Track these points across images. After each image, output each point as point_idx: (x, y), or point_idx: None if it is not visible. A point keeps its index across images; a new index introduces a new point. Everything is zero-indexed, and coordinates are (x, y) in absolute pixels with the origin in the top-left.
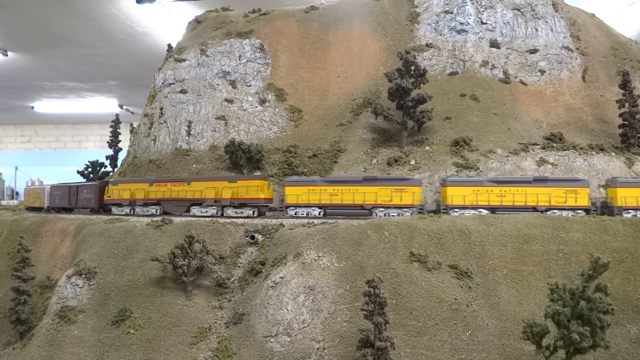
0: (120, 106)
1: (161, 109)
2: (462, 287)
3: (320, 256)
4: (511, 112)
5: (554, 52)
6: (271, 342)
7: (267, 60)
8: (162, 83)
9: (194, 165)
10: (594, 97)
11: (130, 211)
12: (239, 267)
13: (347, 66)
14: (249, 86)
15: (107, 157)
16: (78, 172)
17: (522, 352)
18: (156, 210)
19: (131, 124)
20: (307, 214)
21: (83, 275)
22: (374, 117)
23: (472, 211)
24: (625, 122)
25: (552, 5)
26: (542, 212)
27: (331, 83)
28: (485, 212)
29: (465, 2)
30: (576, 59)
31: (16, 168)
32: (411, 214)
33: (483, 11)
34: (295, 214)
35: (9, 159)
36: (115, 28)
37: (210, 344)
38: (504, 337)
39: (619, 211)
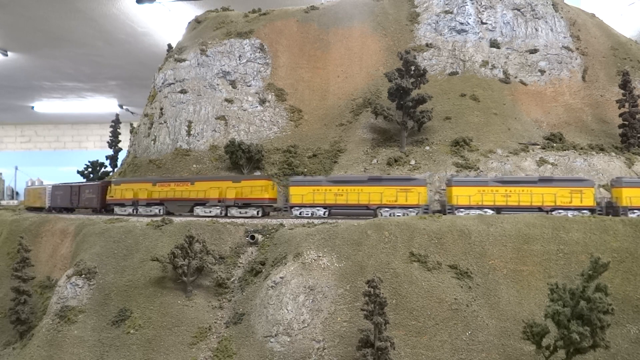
0: (120, 106)
1: (161, 109)
2: (462, 287)
3: (320, 256)
4: (511, 112)
5: (554, 52)
6: (271, 342)
7: (267, 60)
8: (162, 83)
9: (194, 165)
10: (594, 97)
11: (133, 211)
12: (239, 267)
13: (347, 66)
14: (249, 86)
15: (107, 157)
16: (78, 172)
17: (522, 352)
18: (159, 210)
19: (131, 124)
20: (312, 214)
21: (83, 275)
22: (374, 117)
23: (478, 211)
24: (625, 122)
25: (552, 5)
26: (547, 212)
27: (331, 83)
28: (490, 212)
29: (465, 2)
30: (576, 59)
31: (16, 168)
32: (417, 214)
33: (483, 11)
34: (300, 214)
35: (9, 159)
36: (115, 28)
37: (210, 344)
38: (504, 337)
39: (624, 211)
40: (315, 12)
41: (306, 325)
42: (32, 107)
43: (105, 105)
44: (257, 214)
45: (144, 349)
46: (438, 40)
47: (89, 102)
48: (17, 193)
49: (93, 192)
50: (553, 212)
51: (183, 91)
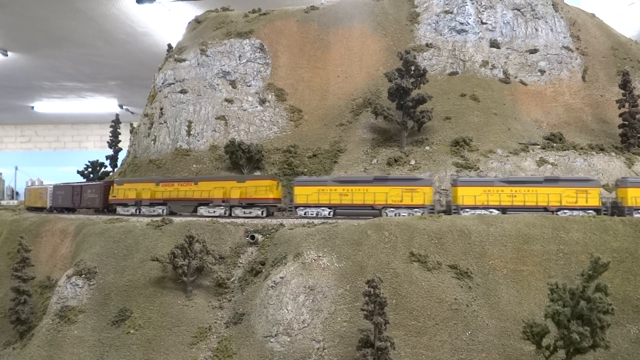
0: (120, 106)
1: (161, 109)
2: (462, 287)
3: (320, 256)
4: (511, 112)
5: (554, 52)
6: (271, 342)
7: (267, 60)
8: (162, 83)
9: (194, 165)
10: (594, 97)
11: (136, 211)
12: (239, 267)
13: (347, 66)
14: (249, 86)
15: (107, 157)
16: (78, 172)
17: (522, 352)
18: (163, 210)
19: (131, 124)
20: (317, 214)
21: (83, 275)
22: (374, 117)
23: (483, 211)
24: (625, 122)
25: (552, 5)
26: (553, 212)
27: (331, 83)
28: (496, 212)
29: (465, 2)
30: (576, 59)
31: (16, 168)
32: (422, 214)
33: (483, 11)
34: (305, 214)
35: (9, 159)
36: (115, 28)
37: (210, 344)
38: (504, 337)
39: (629, 211)
40: (315, 12)
41: (306, 325)
42: (32, 107)
43: (105, 105)
44: (262, 214)
45: (144, 349)
46: (438, 40)
47: (89, 102)
48: (17, 193)
49: (95, 192)
50: (559, 212)
51: (183, 91)
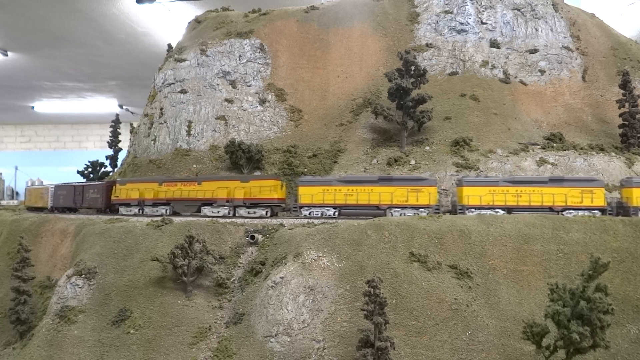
0: (120, 106)
1: (161, 109)
2: (462, 287)
3: (320, 256)
4: (511, 112)
5: (554, 52)
6: (271, 342)
7: (267, 60)
8: (162, 83)
9: (194, 165)
10: (594, 97)
11: (139, 211)
12: (239, 267)
13: (347, 66)
14: (249, 86)
15: (107, 157)
16: (78, 172)
17: (522, 352)
18: (166, 210)
19: (131, 124)
20: (322, 214)
21: (83, 275)
22: (374, 117)
23: (489, 211)
24: (625, 122)
25: (552, 5)
26: (558, 212)
27: (331, 83)
28: (501, 212)
29: (465, 2)
30: (576, 59)
31: (16, 168)
32: (427, 214)
33: (483, 11)
34: (310, 214)
35: (9, 159)
36: (115, 28)
37: (210, 344)
38: (504, 337)
39: (634, 211)
40: (315, 12)
41: (306, 325)
42: (32, 107)
43: (105, 105)
44: (266, 214)
45: (144, 349)
46: (438, 40)
47: (89, 102)
48: (17, 193)
49: (98, 192)
50: (564, 213)
51: (183, 91)
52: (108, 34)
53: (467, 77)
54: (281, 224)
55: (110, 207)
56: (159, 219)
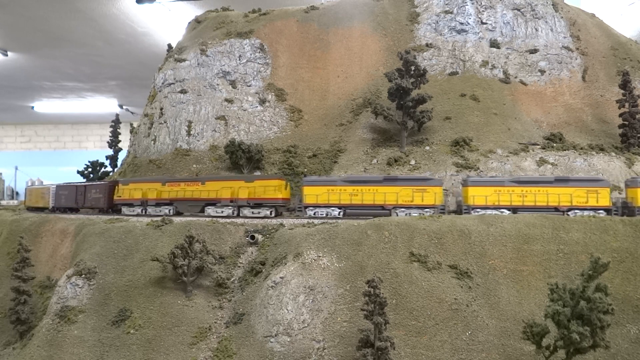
0: (120, 106)
1: (161, 109)
2: (462, 287)
3: (320, 256)
4: (511, 112)
5: (554, 52)
6: (271, 342)
7: (267, 60)
8: (162, 83)
9: (194, 165)
10: (594, 97)
11: (141, 211)
12: (239, 267)
13: (347, 66)
14: (249, 86)
15: (107, 157)
16: (78, 172)
17: (522, 352)
18: (169, 210)
19: (131, 124)
20: (327, 214)
21: (83, 275)
22: (374, 117)
23: (494, 211)
24: (625, 122)
25: (552, 5)
26: (563, 212)
27: (331, 83)
28: (507, 212)
29: (465, 2)
30: (576, 59)
31: (16, 168)
32: (433, 214)
33: (483, 11)
34: (315, 214)
35: (9, 159)
36: (115, 28)
37: (210, 344)
38: (504, 337)
39: (639, 211)
40: (315, 12)
41: (306, 325)
42: (32, 107)
43: (105, 105)
44: (270, 214)
45: (144, 349)
46: (438, 40)
47: (89, 102)
48: (17, 193)
49: (100, 192)
50: (569, 213)
51: (183, 91)
52: (108, 34)
53: (467, 77)
54: (281, 224)
55: (113, 207)
56: (159, 219)
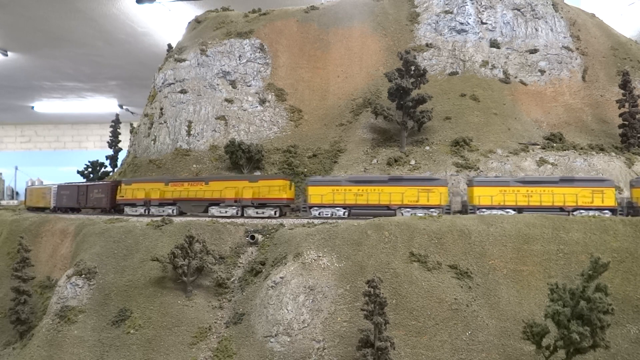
0: (120, 106)
1: (161, 109)
2: (462, 287)
3: (320, 256)
4: (511, 112)
5: (554, 52)
6: (271, 342)
7: (267, 60)
8: (162, 83)
9: (194, 165)
10: (594, 97)
11: (144, 211)
12: (239, 267)
13: (347, 66)
14: (249, 86)
15: (107, 157)
16: (78, 172)
17: (522, 352)
18: (172, 210)
19: (131, 124)
20: (332, 214)
21: (83, 275)
22: (374, 117)
23: (500, 211)
24: (625, 122)
25: (552, 5)
26: (569, 212)
27: (331, 83)
28: (512, 212)
29: (465, 2)
30: (576, 59)
31: (16, 168)
32: (438, 214)
33: (483, 11)
34: (319, 214)
35: (9, 159)
36: (115, 28)
37: (210, 344)
38: (504, 337)
39: None
40: (315, 12)
41: (306, 325)
42: (32, 107)
43: (105, 105)
44: (275, 214)
45: (144, 349)
46: (438, 40)
47: (89, 102)
48: (17, 193)
49: (102, 192)
50: (574, 213)
51: (183, 91)
52: (108, 34)
53: (467, 77)
54: (281, 224)
55: (115, 207)
56: (159, 219)
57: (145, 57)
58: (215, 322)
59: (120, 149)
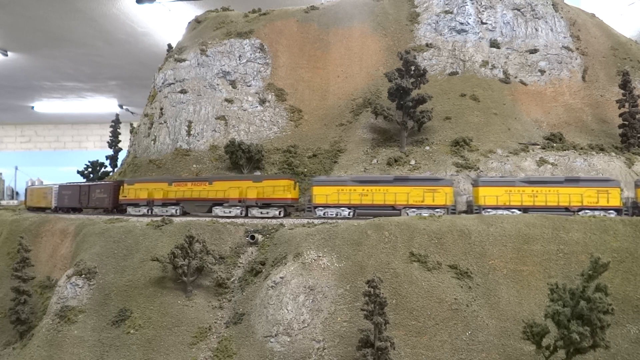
0: (120, 106)
1: (161, 109)
2: (462, 287)
3: (320, 256)
4: (511, 112)
5: (554, 52)
6: (271, 342)
7: (267, 60)
8: (162, 83)
9: (194, 165)
10: (594, 97)
11: (147, 211)
12: (239, 267)
13: (347, 66)
14: (249, 86)
15: (107, 157)
16: (78, 172)
17: (522, 352)
18: (176, 210)
19: (131, 124)
20: (337, 214)
21: (83, 275)
22: (374, 117)
23: (505, 211)
24: (625, 122)
25: (552, 5)
26: (574, 212)
27: (331, 83)
28: (518, 212)
29: (465, 2)
30: (576, 59)
31: (16, 168)
32: (443, 214)
33: (483, 11)
34: (324, 214)
35: (9, 159)
36: (115, 28)
37: (210, 344)
38: (504, 337)
39: None
40: (315, 12)
41: (306, 325)
42: (32, 107)
43: (105, 105)
44: (279, 214)
45: (144, 349)
46: (438, 40)
47: (89, 102)
48: (17, 193)
49: (105, 192)
50: (580, 213)
51: (183, 91)
52: (108, 34)
53: (467, 77)
54: (281, 224)
55: (118, 207)
56: (159, 219)
57: (145, 57)
58: (215, 322)
59: (120, 149)
